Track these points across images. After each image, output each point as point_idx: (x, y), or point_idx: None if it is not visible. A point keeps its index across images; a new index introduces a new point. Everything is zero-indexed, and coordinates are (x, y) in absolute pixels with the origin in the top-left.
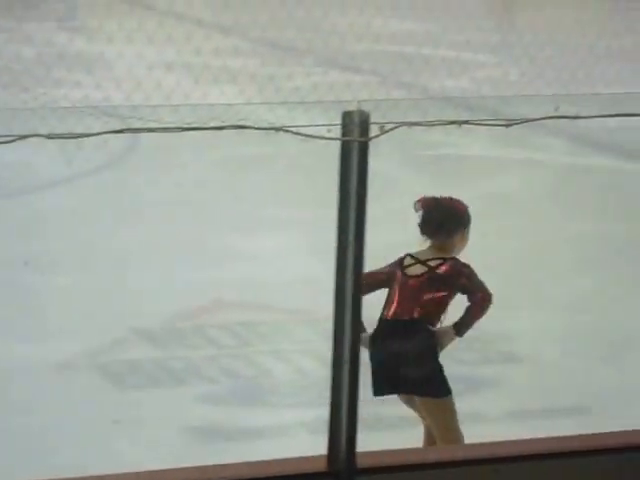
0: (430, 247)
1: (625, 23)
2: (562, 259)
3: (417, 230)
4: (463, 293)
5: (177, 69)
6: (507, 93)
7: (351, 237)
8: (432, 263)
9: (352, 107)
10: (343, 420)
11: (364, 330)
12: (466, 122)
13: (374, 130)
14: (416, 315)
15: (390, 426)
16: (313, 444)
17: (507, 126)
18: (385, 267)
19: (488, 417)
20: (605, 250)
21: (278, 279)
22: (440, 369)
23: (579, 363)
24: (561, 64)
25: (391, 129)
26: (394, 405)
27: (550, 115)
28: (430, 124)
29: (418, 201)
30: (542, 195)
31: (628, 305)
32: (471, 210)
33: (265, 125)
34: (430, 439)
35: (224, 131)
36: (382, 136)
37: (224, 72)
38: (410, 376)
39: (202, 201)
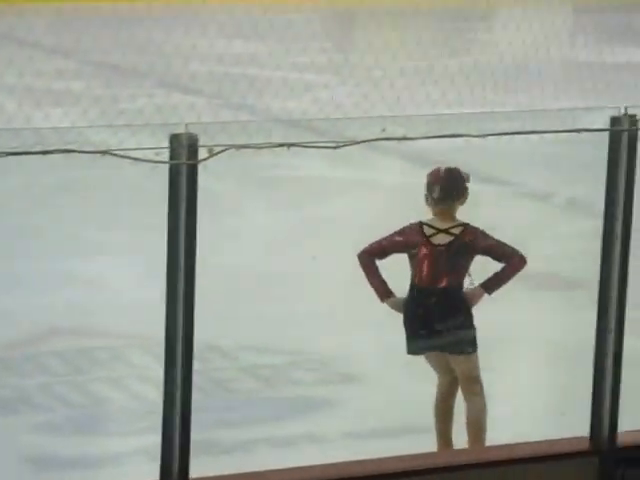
0: (438, 214)
1: (461, 44)
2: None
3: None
4: (490, 255)
5: (16, 92)
6: (344, 113)
7: (182, 260)
8: (455, 231)
9: (180, 130)
10: (176, 446)
11: (393, 295)
12: (294, 144)
13: (203, 153)
14: (449, 281)
15: (225, 451)
16: (150, 471)
17: (335, 148)
18: (396, 235)
19: (325, 438)
20: None
21: (114, 304)
22: (473, 328)
23: (415, 383)
24: (397, 85)
25: (219, 152)
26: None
27: (377, 137)
28: (258, 147)
29: (432, 173)
30: (376, 215)
31: None
32: (306, 232)
33: (91, 148)
34: (449, 391)
35: (55, 155)
36: (220, 158)
37: (63, 95)
38: (445, 336)
39: (33, 225)
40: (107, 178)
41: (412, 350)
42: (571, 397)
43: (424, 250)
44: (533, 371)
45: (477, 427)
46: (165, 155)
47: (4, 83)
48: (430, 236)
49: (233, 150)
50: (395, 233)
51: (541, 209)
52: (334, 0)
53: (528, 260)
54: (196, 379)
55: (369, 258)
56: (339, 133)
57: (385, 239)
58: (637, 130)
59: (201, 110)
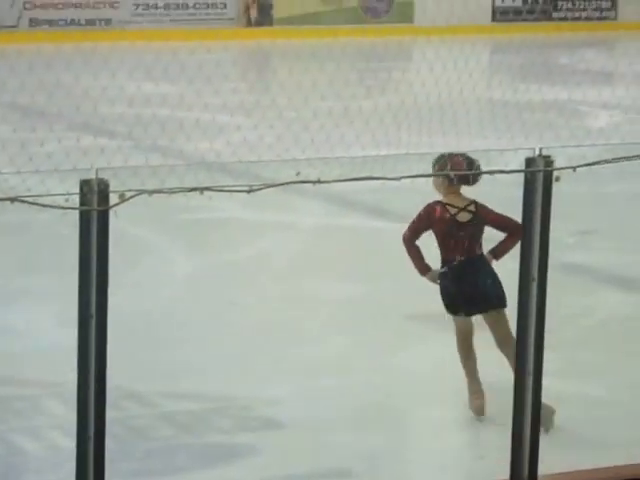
0: (452, 194)
1: (375, 85)
2: (315, 321)
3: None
4: (497, 226)
5: None
6: (258, 156)
7: (93, 306)
8: (471, 208)
9: (90, 175)
10: None
11: (430, 268)
12: (208, 188)
13: (114, 198)
14: (476, 251)
15: None
16: None
17: (249, 192)
18: (425, 217)
19: None
20: (356, 311)
21: (29, 351)
22: (501, 286)
23: (338, 426)
24: (311, 126)
25: (131, 197)
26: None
27: (292, 180)
28: (171, 191)
29: (452, 159)
30: (295, 257)
31: (381, 365)
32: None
33: (0, 195)
34: (469, 331)
35: None
36: (133, 202)
37: None
38: (484, 296)
39: None
40: (20, 223)
41: (454, 312)
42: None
43: (453, 227)
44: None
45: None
46: (76, 200)
47: None
48: (454, 214)
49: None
50: (423, 215)
51: None
52: (245, 41)
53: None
54: (114, 427)
55: (410, 241)
56: (254, 175)
57: (418, 221)
58: (552, 171)
59: (112, 153)
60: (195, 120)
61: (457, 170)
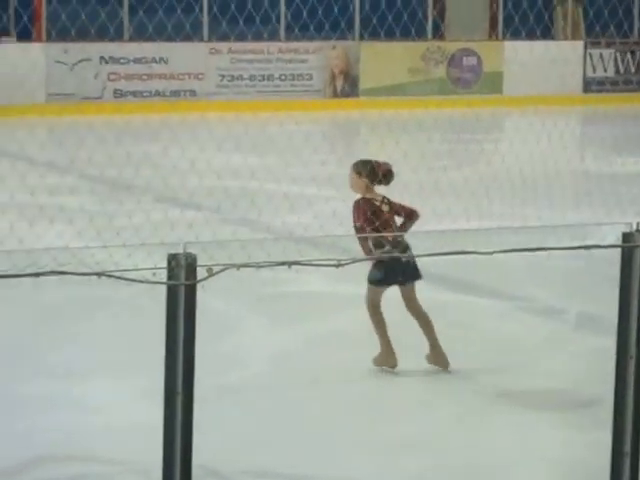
0: (370, 191)
1: (466, 156)
2: (401, 396)
3: None
4: (399, 213)
5: (10, 210)
6: (347, 229)
7: (179, 381)
8: (385, 200)
9: (178, 249)
10: None
11: (372, 251)
12: (296, 263)
13: (202, 272)
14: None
15: None
16: None
17: (337, 266)
18: (362, 214)
19: None
20: (443, 387)
21: (107, 427)
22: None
23: None
24: (401, 199)
25: (219, 271)
26: None
27: (380, 254)
28: (259, 265)
29: (376, 164)
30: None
31: (474, 441)
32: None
33: (87, 269)
34: (379, 302)
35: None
36: (220, 275)
37: (60, 212)
38: (409, 271)
39: (24, 346)
40: (104, 297)
41: (380, 285)
42: None
43: (384, 217)
44: None
45: (427, 321)
46: (163, 274)
47: (14, 202)
48: (380, 206)
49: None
50: (363, 207)
51: (550, 326)
52: (332, 112)
53: (533, 377)
54: None
55: (363, 229)
56: (342, 248)
57: (363, 213)
58: None
59: (200, 226)
60: (283, 193)
61: (385, 173)
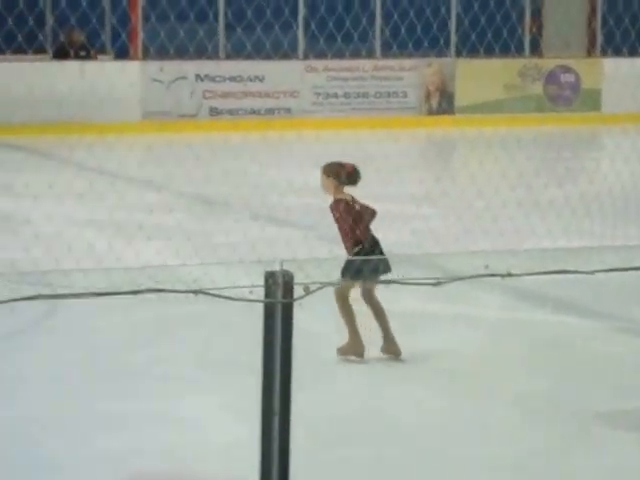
0: (342, 191)
1: (566, 174)
2: (494, 419)
3: None
4: (366, 211)
5: (109, 228)
6: (445, 247)
7: (276, 400)
8: (355, 200)
9: (275, 267)
10: None
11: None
12: (394, 281)
13: (298, 290)
14: (369, 232)
15: None
16: None
17: (435, 285)
18: (345, 212)
19: None
20: (545, 409)
21: (203, 445)
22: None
23: None
24: (500, 217)
25: (316, 289)
26: None
27: (480, 273)
28: (355, 284)
29: (348, 166)
30: (476, 352)
31: (571, 463)
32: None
33: (183, 287)
34: (348, 295)
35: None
36: (318, 292)
37: (157, 230)
38: (383, 265)
39: (121, 364)
40: (200, 315)
41: (355, 279)
42: None
43: (359, 215)
44: None
45: (382, 313)
46: (260, 292)
47: (95, 220)
48: (353, 205)
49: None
50: (344, 207)
51: None
52: (427, 129)
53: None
54: None
55: (351, 226)
56: (441, 267)
57: (345, 214)
58: None
59: (297, 244)
60: (381, 210)
61: (351, 174)
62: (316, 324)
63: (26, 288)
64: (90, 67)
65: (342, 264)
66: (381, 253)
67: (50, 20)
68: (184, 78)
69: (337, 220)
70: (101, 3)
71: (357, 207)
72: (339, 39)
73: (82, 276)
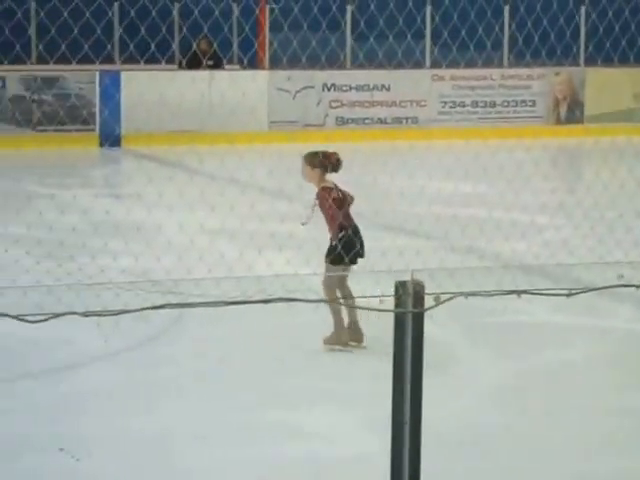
0: (326, 179)
1: None
2: (626, 434)
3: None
4: (346, 197)
5: (239, 237)
6: (578, 258)
7: (407, 410)
8: (338, 187)
9: (406, 277)
10: None
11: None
12: (525, 292)
13: (429, 300)
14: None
15: None
16: None
17: (568, 296)
18: (333, 199)
19: None
20: None
21: (332, 457)
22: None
23: None
24: (634, 227)
25: (447, 300)
26: None
27: (613, 284)
28: (488, 294)
29: (332, 155)
30: (607, 365)
31: None
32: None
33: (314, 297)
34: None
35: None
36: (447, 301)
37: (272, 239)
38: (361, 250)
39: (249, 375)
40: (328, 324)
41: (338, 264)
42: None
43: (343, 202)
44: None
45: (352, 301)
46: (390, 301)
47: (226, 229)
48: (338, 193)
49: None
50: (334, 195)
51: None
52: (555, 138)
53: None
54: None
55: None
56: (573, 278)
57: (332, 201)
58: None
59: (427, 254)
60: (512, 221)
61: (335, 162)
62: (443, 333)
63: (157, 296)
64: (219, 76)
65: (479, 275)
66: (361, 239)
67: (180, 30)
68: (311, 87)
69: (326, 207)
70: (230, 13)
71: (340, 194)
72: (471, 47)
73: (213, 284)
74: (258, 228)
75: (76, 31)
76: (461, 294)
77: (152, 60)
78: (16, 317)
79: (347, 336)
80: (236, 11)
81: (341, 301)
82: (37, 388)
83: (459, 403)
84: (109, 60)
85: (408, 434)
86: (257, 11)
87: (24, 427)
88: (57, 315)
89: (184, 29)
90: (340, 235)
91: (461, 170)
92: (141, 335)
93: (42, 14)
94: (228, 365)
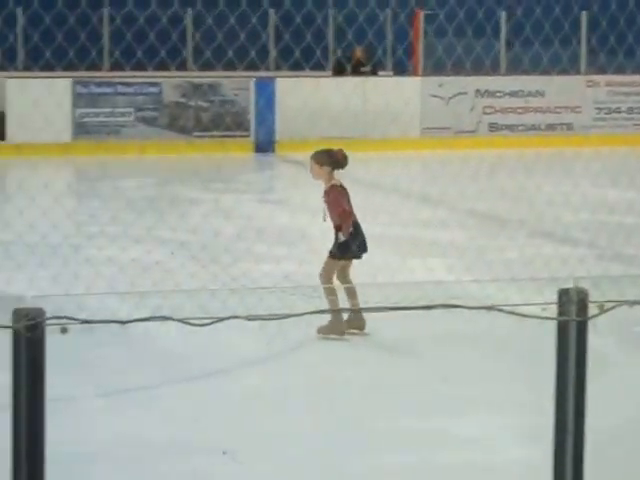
0: (335, 176)
1: None
2: None
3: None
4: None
5: (384, 243)
6: None
7: (570, 419)
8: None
9: (568, 284)
10: None
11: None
12: None
13: (592, 309)
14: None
15: None
16: None
17: None
18: (342, 197)
19: None
20: None
21: (485, 465)
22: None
23: None
24: None
25: (610, 308)
26: None
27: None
28: None
29: (338, 152)
30: None
31: None
32: None
33: (476, 303)
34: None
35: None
36: (611, 310)
37: (432, 246)
38: (364, 245)
39: (406, 381)
40: (487, 332)
41: (359, 255)
42: None
43: (348, 197)
44: None
45: (354, 291)
46: (553, 309)
47: (382, 235)
48: (344, 189)
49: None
50: (342, 198)
51: None
52: None
53: None
54: None
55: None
56: None
57: (342, 198)
58: None
59: (589, 262)
60: None
61: (342, 159)
62: (601, 342)
63: (318, 301)
64: (372, 83)
65: (633, 281)
66: (362, 233)
67: (336, 37)
68: (464, 94)
69: (337, 204)
70: (380, 19)
71: (346, 190)
72: (621, 54)
73: (374, 290)
74: (401, 234)
75: (241, 38)
76: (626, 302)
77: (307, 67)
78: (181, 320)
79: (344, 326)
80: (390, 18)
81: (345, 287)
82: (201, 391)
83: (620, 412)
84: (264, 67)
85: (571, 444)
86: (407, 18)
87: (189, 429)
88: (221, 319)
89: (325, 35)
90: (350, 230)
91: (626, 177)
92: (302, 338)
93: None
94: (387, 371)
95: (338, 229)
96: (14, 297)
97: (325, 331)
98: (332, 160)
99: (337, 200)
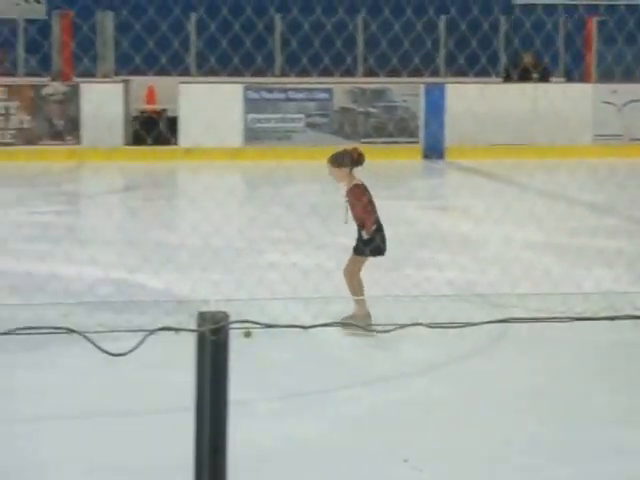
0: (353, 177)
1: None
2: None
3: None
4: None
5: (549, 251)
6: None
7: None
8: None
9: None
10: None
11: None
12: None
13: None
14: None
15: None
16: None
17: None
18: (365, 192)
19: None
20: None
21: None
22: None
23: None
24: None
25: None
26: None
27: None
28: None
29: (355, 151)
30: None
31: None
32: None
33: None
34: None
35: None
36: None
37: (599, 255)
38: (385, 244)
39: (572, 393)
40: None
41: (367, 256)
42: None
43: (370, 195)
44: None
45: (362, 288)
46: None
47: (553, 244)
48: (366, 187)
49: None
50: (361, 194)
51: None
52: None
53: None
54: None
55: (371, 206)
56: None
57: (364, 197)
58: None
59: None
60: None
61: (358, 157)
62: None
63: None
64: (544, 90)
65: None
66: (383, 231)
67: (508, 43)
68: (637, 101)
69: (359, 202)
70: (557, 26)
71: (367, 189)
72: None
73: (538, 300)
74: (586, 243)
75: (406, 45)
76: None
77: (477, 73)
78: (363, 327)
79: (370, 318)
80: (562, 24)
81: (361, 288)
82: (377, 396)
83: None
84: (434, 73)
85: None
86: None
87: (364, 435)
88: (403, 326)
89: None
90: (374, 227)
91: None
92: (467, 348)
93: (372, 27)
94: (549, 383)
95: (362, 227)
96: (198, 301)
97: (352, 322)
98: (349, 160)
99: (359, 198)
